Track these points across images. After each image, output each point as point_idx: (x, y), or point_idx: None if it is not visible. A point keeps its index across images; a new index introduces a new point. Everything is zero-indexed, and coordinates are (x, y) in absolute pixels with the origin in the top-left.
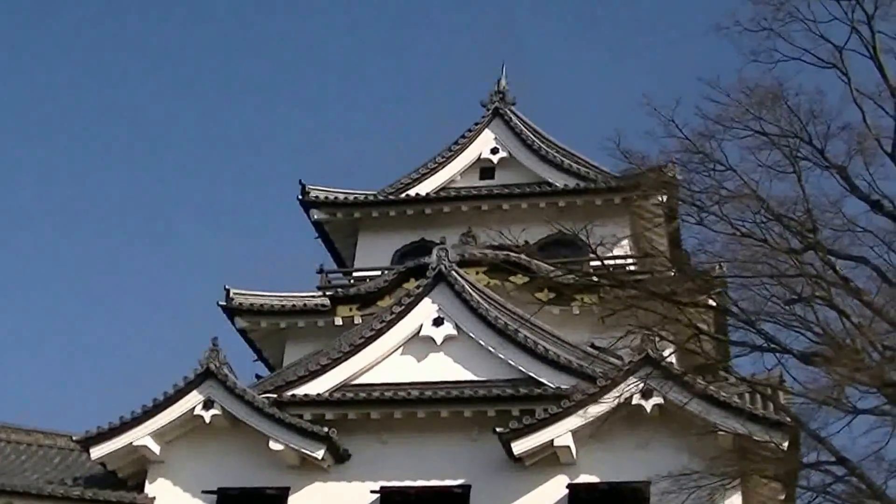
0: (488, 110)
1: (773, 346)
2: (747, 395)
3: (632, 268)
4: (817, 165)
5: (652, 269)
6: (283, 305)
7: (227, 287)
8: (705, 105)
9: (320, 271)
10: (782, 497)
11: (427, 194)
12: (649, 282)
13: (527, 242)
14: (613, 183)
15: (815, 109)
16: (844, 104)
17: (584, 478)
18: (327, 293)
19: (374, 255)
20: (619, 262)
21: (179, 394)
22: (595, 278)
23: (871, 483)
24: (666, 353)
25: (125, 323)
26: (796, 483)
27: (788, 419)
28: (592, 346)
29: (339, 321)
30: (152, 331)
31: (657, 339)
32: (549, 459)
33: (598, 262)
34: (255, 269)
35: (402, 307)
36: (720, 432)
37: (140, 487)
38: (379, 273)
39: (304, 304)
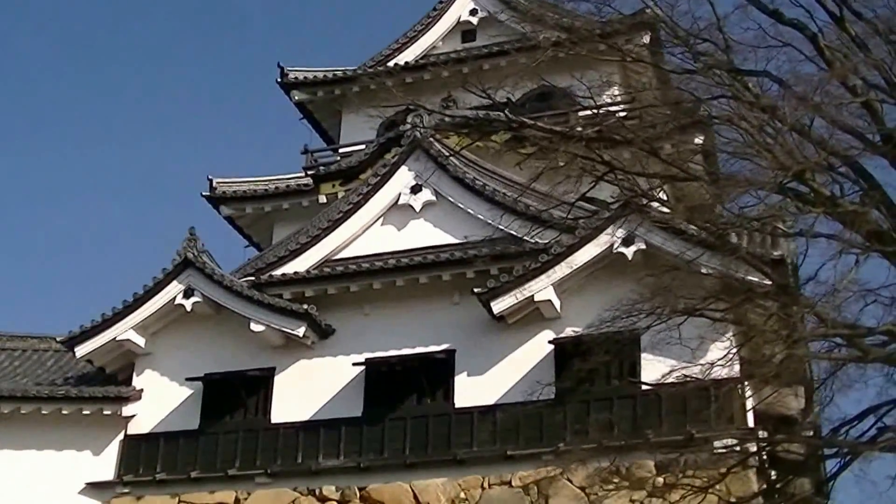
0: None
1: (686, 174)
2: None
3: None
4: None
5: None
6: (266, 189)
7: (209, 177)
8: None
9: (305, 151)
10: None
11: (406, 63)
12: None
13: (509, 100)
14: (595, 31)
15: None
16: None
17: (570, 332)
18: (309, 172)
19: (359, 131)
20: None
21: (159, 285)
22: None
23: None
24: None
25: (116, 224)
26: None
27: (776, 255)
28: (584, 198)
29: (323, 199)
30: (143, 228)
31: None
32: (533, 316)
33: (584, 112)
34: (246, 158)
35: (379, 178)
36: (707, 274)
37: (129, 381)
38: (363, 147)
39: (287, 186)
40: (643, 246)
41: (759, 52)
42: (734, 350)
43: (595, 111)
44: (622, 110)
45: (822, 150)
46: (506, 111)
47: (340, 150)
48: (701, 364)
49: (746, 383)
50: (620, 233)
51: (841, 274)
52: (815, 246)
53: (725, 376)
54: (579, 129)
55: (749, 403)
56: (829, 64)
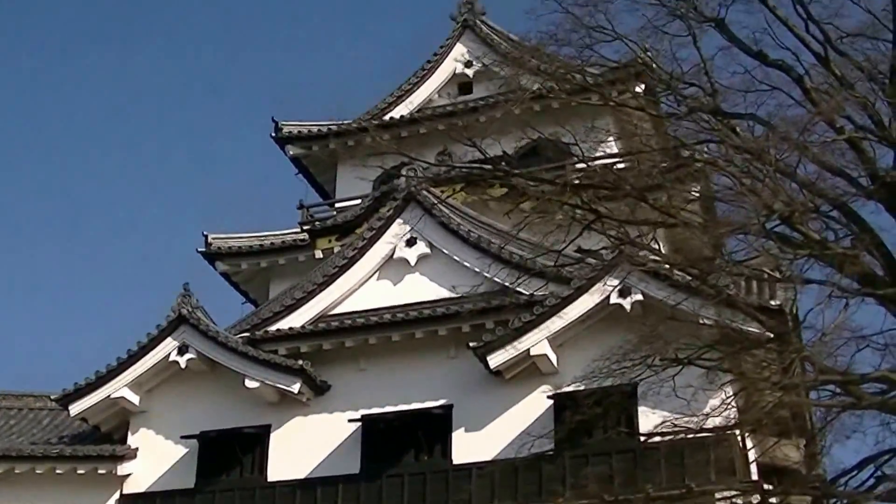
0: (458, 24)
1: (675, 221)
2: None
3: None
4: (696, 20)
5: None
6: (261, 245)
7: (204, 233)
8: None
9: (301, 206)
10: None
11: (402, 117)
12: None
13: (504, 153)
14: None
15: None
16: None
17: (569, 386)
18: (305, 227)
19: (355, 184)
20: (605, 162)
21: (153, 342)
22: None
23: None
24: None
25: (111, 279)
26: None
27: (774, 305)
28: (579, 249)
29: (319, 254)
30: (140, 285)
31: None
32: (530, 370)
33: (581, 165)
34: (241, 212)
35: (373, 232)
36: (705, 324)
37: (124, 439)
38: (359, 202)
39: (283, 241)
40: (640, 297)
41: (749, 97)
42: (730, 400)
43: (587, 161)
44: (617, 161)
45: (810, 193)
46: (501, 164)
47: (336, 205)
48: (700, 415)
49: (748, 435)
50: (616, 284)
51: (832, 319)
52: (810, 291)
53: (725, 428)
54: (570, 178)
55: (752, 455)
56: (816, 105)
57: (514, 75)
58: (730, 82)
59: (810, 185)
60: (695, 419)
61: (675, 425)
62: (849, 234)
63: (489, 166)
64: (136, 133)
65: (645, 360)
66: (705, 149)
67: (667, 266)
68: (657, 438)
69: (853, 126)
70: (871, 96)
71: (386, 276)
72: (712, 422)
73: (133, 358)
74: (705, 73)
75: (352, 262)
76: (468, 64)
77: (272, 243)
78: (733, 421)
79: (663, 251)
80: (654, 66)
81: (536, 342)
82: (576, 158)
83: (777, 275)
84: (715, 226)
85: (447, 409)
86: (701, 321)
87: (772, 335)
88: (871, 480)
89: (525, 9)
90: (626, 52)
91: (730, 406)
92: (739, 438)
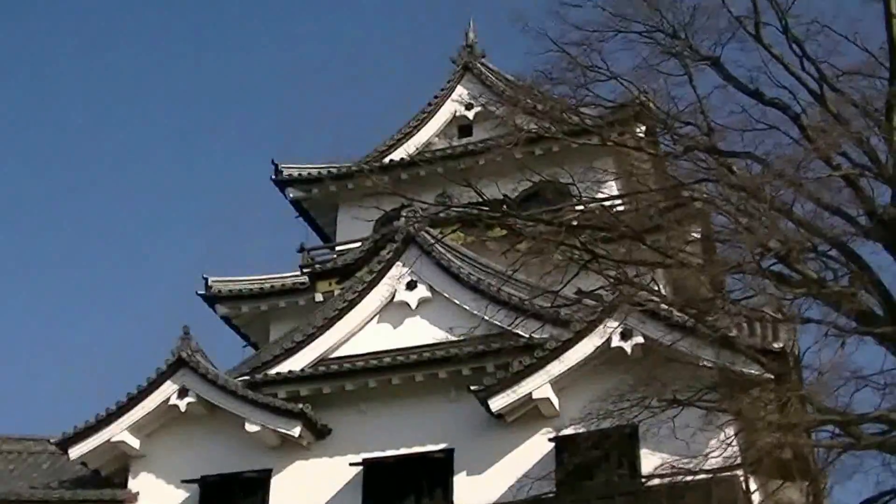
0: (458, 66)
1: (673, 261)
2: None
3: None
4: (691, 59)
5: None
6: (261, 288)
7: (204, 276)
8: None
9: (301, 250)
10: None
11: (402, 159)
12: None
13: (505, 196)
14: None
15: None
16: None
17: (570, 428)
18: (305, 270)
19: (356, 227)
20: (603, 203)
21: (153, 385)
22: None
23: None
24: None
25: (114, 323)
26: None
27: (776, 347)
28: (578, 291)
29: (319, 297)
30: (140, 327)
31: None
32: (532, 413)
33: (580, 207)
34: (242, 254)
35: (374, 274)
36: (705, 366)
37: (124, 484)
38: (359, 244)
39: (283, 285)
40: (641, 339)
41: (746, 136)
42: (729, 441)
43: (585, 203)
44: (616, 201)
45: (807, 231)
46: (502, 206)
47: (337, 248)
48: (700, 457)
49: (751, 477)
50: (616, 325)
51: (829, 358)
52: (810, 330)
53: (726, 469)
54: (566, 218)
55: (756, 498)
56: (813, 143)
57: (510, 114)
58: (727, 121)
59: (807, 224)
60: (696, 460)
61: (674, 467)
62: (847, 272)
63: (488, 208)
64: (136, 174)
65: (643, 401)
66: (703, 188)
67: (665, 307)
68: (658, 480)
69: (850, 163)
70: (866, 133)
71: (386, 320)
72: (712, 463)
73: (133, 401)
74: (701, 112)
75: (352, 305)
76: (468, 106)
77: (272, 286)
78: (733, 461)
79: (663, 291)
80: (650, 105)
81: (538, 386)
82: (575, 200)
83: (777, 315)
84: (712, 266)
85: (448, 452)
86: (701, 363)
87: (772, 377)
88: None
89: (522, 49)
90: (622, 91)
91: (731, 446)
92: (742, 481)
